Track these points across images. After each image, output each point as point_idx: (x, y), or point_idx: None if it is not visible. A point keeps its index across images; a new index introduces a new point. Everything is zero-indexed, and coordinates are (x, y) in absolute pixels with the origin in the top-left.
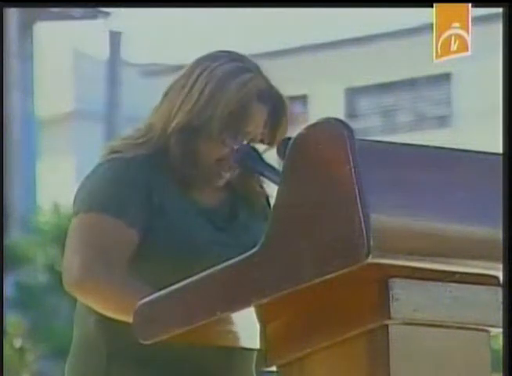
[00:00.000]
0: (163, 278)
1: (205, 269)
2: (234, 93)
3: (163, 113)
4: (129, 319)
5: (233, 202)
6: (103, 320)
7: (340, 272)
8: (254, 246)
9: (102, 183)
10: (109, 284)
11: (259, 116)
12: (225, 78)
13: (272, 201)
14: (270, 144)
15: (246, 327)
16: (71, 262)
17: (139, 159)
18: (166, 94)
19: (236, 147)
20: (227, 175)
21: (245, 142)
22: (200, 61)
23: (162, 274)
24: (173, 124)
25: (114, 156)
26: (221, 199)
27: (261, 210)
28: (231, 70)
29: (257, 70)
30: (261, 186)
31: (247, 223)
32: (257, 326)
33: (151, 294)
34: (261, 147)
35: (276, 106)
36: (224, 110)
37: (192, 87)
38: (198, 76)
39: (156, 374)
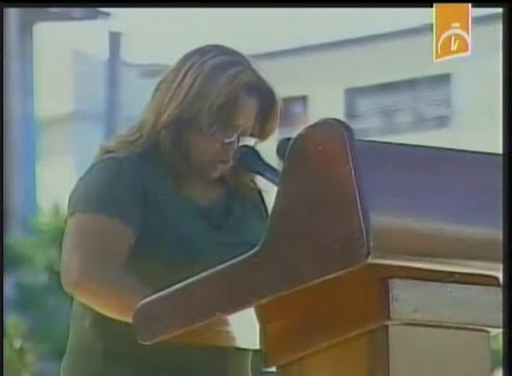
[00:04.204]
0: (160, 275)
1: (201, 267)
2: (223, 86)
3: (153, 109)
4: (128, 318)
5: (228, 199)
6: (98, 321)
7: (340, 272)
8: (249, 242)
9: (97, 184)
10: (108, 284)
11: (249, 109)
12: (214, 71)
13: (265, 196)
14: (260, 138)
15: (246, 327)
16: (70, 263)
17: (132, 158)
18: (156, 89)
19: (226, 141)
20: (220, 167)
21: (235, 137)
22: (189, 56)
23: (159, 272)
24: (163, 119)
25: (107, 156)
26: (215, 196)
27: (255, 205)
28: (220, 63)
29: (246, 64)
30: (254, 182)
31: (242, 220)
32: (257, 326)
33: (150, 293)
34: (252, 142)
35: (266, 99)
36: (213, 102)
37: (181, 81)
38: (187, 70)
39: (152, 375)
